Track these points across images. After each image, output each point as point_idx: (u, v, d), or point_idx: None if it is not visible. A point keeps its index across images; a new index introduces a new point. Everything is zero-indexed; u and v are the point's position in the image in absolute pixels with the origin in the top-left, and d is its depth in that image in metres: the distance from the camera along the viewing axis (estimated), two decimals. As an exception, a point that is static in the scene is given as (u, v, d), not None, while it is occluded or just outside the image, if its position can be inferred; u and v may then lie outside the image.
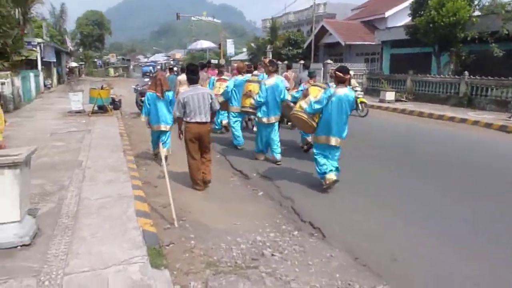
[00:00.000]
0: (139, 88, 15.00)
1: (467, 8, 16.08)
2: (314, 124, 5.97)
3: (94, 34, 56.60)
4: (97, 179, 6.06)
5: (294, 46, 33.56)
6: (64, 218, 4.50)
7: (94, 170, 6.56)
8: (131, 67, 63.79)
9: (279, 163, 7.48)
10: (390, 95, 17.64)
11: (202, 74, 11.05)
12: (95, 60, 57.36)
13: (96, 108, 13.04)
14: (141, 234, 4.10)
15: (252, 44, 37.28)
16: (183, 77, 12.12)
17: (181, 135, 6.15)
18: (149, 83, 16.72)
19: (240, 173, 7.14)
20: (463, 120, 13.24)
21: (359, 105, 12.82)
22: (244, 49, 61.33)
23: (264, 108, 7.32)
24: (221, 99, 8.88)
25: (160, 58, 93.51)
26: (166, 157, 6.62)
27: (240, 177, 6.96)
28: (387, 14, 28.36)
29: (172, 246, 4.14)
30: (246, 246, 4.24)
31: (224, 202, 5.70)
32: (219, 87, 9.86)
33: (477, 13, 17.09)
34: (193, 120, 5.88)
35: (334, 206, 5.53)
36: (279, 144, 7.59)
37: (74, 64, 35.75)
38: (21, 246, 3.78)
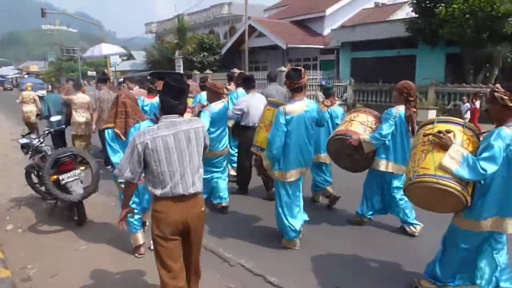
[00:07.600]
0: (35, 141, 5.28)
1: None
2: (469, 199, 2.89)
3: None
4: None
5: (209, 52, 26.70)
6: None
7: None
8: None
9: None
10: (433, 115, 12.00)
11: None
12: None
13: None
14: None
15: (153, 49, 29.16)
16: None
17: (123, 223, 2.67)
18: (57, 125, 7.37)
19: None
20: None
21: None
22: (119, 59, 52.14)
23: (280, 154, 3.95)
24: None
25: (9, 71, 79.38)
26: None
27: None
28: (327, 12, 23.47)
29: None
30: None
31: None
32: None
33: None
34: (169, 194, 2.50)
35: None
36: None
37: None
38: None
